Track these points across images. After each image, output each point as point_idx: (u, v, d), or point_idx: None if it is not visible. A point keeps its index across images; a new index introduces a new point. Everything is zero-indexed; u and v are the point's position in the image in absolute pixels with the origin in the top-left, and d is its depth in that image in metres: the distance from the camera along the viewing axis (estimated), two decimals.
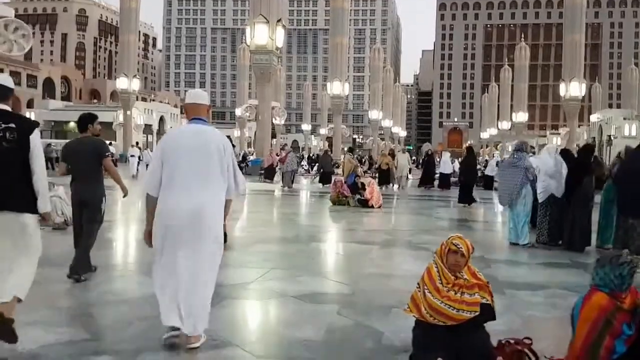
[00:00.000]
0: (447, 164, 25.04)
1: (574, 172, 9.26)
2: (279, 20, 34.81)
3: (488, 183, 24.67)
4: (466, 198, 17.25)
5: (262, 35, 34.31)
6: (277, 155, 28.56)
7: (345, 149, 31.33)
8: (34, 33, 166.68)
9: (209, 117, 4.68)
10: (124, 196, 6.68)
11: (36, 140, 4.03)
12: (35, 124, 4.14)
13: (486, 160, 28.34)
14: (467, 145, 20.89)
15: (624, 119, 60.21)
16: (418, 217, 14.57)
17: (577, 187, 9.18)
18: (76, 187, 6.19)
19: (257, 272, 6.92)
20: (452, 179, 24.57)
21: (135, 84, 52.86)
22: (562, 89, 42.10)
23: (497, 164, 22.39)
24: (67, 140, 7.24)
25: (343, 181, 17.50)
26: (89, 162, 6.11)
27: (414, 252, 9.04)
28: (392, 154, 25.54)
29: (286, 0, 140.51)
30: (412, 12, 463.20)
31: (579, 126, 56.03)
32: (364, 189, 17.66)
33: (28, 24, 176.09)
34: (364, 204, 16.11)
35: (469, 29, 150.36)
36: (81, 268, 6.07)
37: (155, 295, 4.24)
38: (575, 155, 10.15)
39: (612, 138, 58.99)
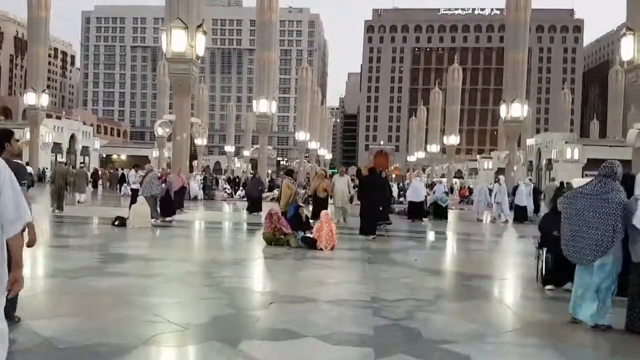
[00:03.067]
0: (418, 190, 20.97)
1: None
2: (199, 26, 30.11)
3: (519, 213, 22.29)
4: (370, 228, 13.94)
5: (180, 41, 29.64)
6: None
7: (283, 172, 26.61)
8: None
9: None
10: (28, 245, 4.12)
11: None
12: None
13: (516, 186, 24.64)
14: (366, 166, 17.05)
15: (566, 142, 58.85)
16: (394, 267, 10.10)
17: None
18: None
19: None
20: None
21: (44, 100, 46.86)
22: (503, 111, 39.70)
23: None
24: None
25: (279, 213, 12.97)
26: None
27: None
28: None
29: (209, 15, 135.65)
30: (338, 35, 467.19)
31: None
32: (308, 224, 13.22)
33: None
34: (311, 244, 11.65)
35: (397, 52, 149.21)
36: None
37: None
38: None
39: (553, 162, 57.62)
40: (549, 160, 59.95)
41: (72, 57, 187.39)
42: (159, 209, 16.47)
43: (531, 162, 66.26)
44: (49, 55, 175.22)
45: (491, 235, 17.79)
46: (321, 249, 11.50)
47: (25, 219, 3.33)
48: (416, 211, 20.62)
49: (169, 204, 17.20)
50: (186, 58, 29.60)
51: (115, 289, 7.07)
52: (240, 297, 6.91)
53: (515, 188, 24.18)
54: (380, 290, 7.54)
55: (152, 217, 15.56)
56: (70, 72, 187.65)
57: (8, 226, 3.23)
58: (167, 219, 16.54)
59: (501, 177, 25.66)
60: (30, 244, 4.31)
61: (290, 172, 17.14)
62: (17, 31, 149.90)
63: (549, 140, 62.47)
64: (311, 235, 11.96)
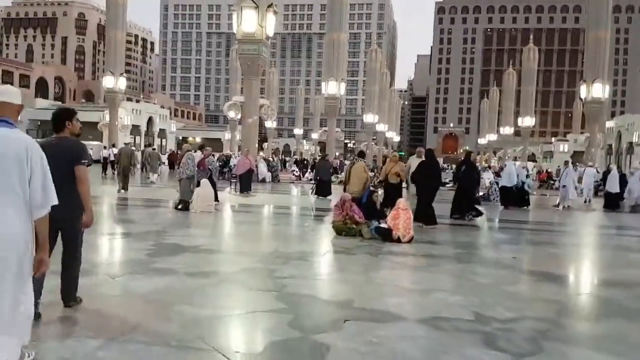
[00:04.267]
0: (512, 174, 18.61)
1: None
2: (269, 6, 28.69)
3: (611, 200, 20.21)
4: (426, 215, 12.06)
5: (250, 22, 28.49)
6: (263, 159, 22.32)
7: (351, 154, 24.72)
8: (34, 36, 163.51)
9: (17, 118, 3.47)
10: (85, 226, 4.86)
11: None
12: None
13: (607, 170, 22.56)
14: (419, 149, 14.27)
15: None
16: (490, 268, 8.27)
17: None
18: None
19: None
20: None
21: (122, 83, 46.86)
22: (583, 91, 36.51)
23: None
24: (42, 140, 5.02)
25: (351, 200, 11.28)
26: (65, 170, 4.60)
27: None
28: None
29: (281, 1, 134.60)
30: (408, 17, 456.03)
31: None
32: (383, 212, 11.49)
33: (29, 27, 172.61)
34: (386, 235, 9.96)
35: (468, 33, 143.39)
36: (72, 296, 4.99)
37: None
38: None
39: (635, 146, 53.02)
40: (630, 143, 55.21)
41: (152, 43, 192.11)
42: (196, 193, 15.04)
43: (610, 145, 61.37)
44: (130, 42, 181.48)
45: (594, 227, 15.44)
46: (398, 240, 9.79)
47: (51, 203, 3.35)
48: (510, 197, 18.45)
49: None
50: (256, 38, 28.42)
51: (156, 293, 5.65)
52: (306, 310, 5.32)
53: (607, 173, 21.51)
54: (483, 303, 5.75)
55: (184, 201, 14.19)
56: (150, 58, 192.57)
57: (36, 210, 3.28)
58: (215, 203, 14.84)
59: (569, 160, 23.27)
60: (86, 225, 4.86)
61: (362, 154, 15.12)
62: (100, 19, 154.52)
63: (630, 123, 57.43)
64: (385, 226, 10.25)
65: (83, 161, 4.81)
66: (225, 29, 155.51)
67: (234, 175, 23.07)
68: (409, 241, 9.90)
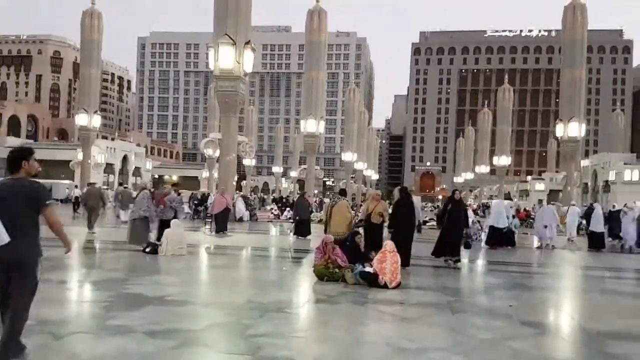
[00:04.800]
0: (500, 214, 17.93)
1: None
2: (247, 42, 28.32)
3: (596, 240, 19.56)
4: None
5: (227, 58, 28.09)
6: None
7: (336, 191, 23.65)
8: (8, 74, 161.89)
9: None
10: (67, 252, 4.92)
11: None
12: None
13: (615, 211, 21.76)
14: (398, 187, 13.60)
15: (625, 163, 54.44)
16: (488, 319, 7.47)
17: None
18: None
19: None
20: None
21: (96, 121, 45.95)
22: (559, 130, 36.63)
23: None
24: None
25: (334, 242, 10.48)
26: (19, 212, 4.42)
27: None
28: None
29: (259, 41, 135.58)
30: (385, 58, 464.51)
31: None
32: (367, 255, 10.68)
33: (2, 65, 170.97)
34: (372, 281, 9.16)
35: (444, 73, 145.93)
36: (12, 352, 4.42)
37: None
38: None
39: (611, 184, 53.34)
40: (606, 182, 55.66)
41: (129, 81, 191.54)
42: (153, 234, 14.05)
43: (586, 184, 61.81)
44: (106, 80, 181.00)
45: (586, 269, 14.74)
46: (384, 286, 9.00)
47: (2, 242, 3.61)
48: (497, 237, 17.78)
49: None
50: (233, 75, 27.97)
51: None
52: None
53: (590, 211, 21.04)
54: None
55: (132, 243, 13.36)
56: (127, 96, 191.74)
57: None
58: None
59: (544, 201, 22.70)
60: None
61: (343, 192, 14.25)
62: (76, 57, 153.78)
63: (605, 162, 58.04)
64: (371, 270, 9.45)
65: (47, 202, 4.61)
66: (204, 67, 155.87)
67: (209, 215, 22.09)
68: (396, 287, 9.12)
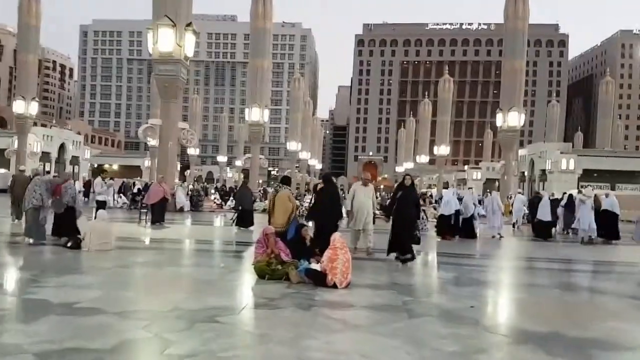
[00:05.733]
0: (449, 203, 17.19)
1: None
2: (188, 25, 26.54)
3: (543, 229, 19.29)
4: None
5: (167, 41, 26.27)
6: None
7: (274, 181, 22.51)
8: None
9: None
10: None
11: None
12: None
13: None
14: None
15: (561, 152, 55.42)
16: (450, 323, 6.47)
17: None
18: None
19: None
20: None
21: (34, 108, 43.12)
22: (499, 120, 36.64)
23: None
24: None
25: (275, 234, 9.28)
26: None
27: None
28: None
29: (204, 29, 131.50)
30: (329, 49, 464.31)
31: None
32: (314, 250, 9.51)
33: None
34: (319, 279, 8.02)
35: (386, 65, 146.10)
36: None
37: None
38: None
39: (548, 173, 54.21)
40: (543, 171, 56.72)
41: (71, 69, 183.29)
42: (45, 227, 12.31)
43: (523, 173, 62.94)
44: (48, 68, 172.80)
45: (548, 261, 13.79)
46: (334, 286, 7.88)
47: None
48: (446, 227, 16.98)
49: (68, 220, 12.34)
50: (173, 58, 26.19)
51: None
52: None
53: (537, 200, 20.65)
54: None
55: (26, 236, 11.89)
56: (69, 84, 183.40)
57: None
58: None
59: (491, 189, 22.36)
60: None
61: (286, 180, 12.63)
62: (17, 44, 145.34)
63: (543, 151, 59.13)
64: (318, 267, 8.30)
65: None
66: (147, 55, 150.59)
67: (144, 205, 20.40)
68: (347, 286, 8.02)
